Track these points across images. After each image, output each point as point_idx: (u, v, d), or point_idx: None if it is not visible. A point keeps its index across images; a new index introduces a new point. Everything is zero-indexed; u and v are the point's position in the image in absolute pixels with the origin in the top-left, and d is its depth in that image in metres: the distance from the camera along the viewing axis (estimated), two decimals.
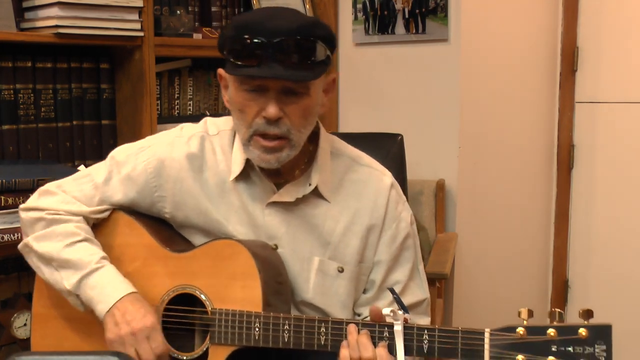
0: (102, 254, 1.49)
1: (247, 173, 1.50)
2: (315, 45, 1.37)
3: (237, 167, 1.49)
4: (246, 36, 1.35)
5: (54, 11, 2.00)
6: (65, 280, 1.47)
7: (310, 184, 1.49)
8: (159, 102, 2.40)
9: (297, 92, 1.39)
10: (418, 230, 2.51)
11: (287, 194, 1.49)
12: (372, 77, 2.79)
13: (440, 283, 2.35)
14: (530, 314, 1.26)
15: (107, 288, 1.44)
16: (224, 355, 1.41)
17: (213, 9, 2.57)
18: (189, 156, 1.52)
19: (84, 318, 1.53)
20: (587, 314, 1.24)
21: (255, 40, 1.34)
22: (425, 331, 1.30)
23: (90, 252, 1.48)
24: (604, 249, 3.08)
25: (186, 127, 1.58)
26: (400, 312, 1.31)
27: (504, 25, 2.79)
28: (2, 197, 1.83)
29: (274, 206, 1.50)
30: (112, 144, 2.27)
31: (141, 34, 2.19)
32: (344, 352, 1.33)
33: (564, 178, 3.14)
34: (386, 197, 1.53)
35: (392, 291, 1.37)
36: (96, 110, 2.27)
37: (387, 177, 1.56)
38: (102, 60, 2.26)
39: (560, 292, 3.17)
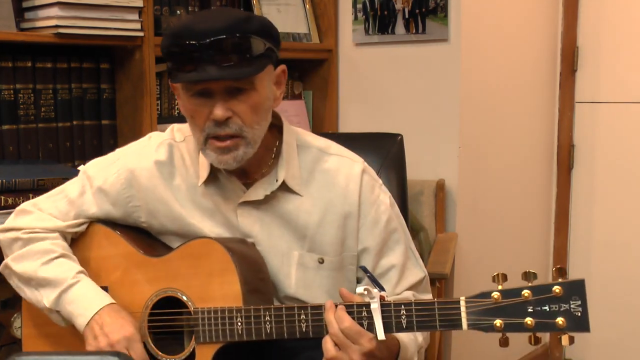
0: (79, 268, 1.50)
1: (215, 176, 1.51)
2: (248, 40, 1.35)
3: (204, 171, 1.50)
4: (179, 42, 1.35)
5: (54, 11, 2.00)
6: (45, 298, 1.48)
7: (277, 180, 1.49)
8: (159, 102, 2.40)
9: (242, 89, 1.38)
10: (418, 231, 2.54)
11: (256, 193, 1.49)
12: (372, 77, 2.79)
13: (440, 283, 2.35)
14: (504, 278, 1.27)
15: (84, 301, 1.46)
16: (210, 354, 1.42)
17: (213, 9, 2.57)
18: (159, 164, 1.53)
19: (72, 336, 1.53)
20: (560, 272, 1.24)
21: (187, 45, 1.34)
22: (403, 306, 1.30)
23: (67, 268, 1.49)
24: (604, 249, 3.08)
25: (154, 136, 1.59)
26: (376, 290, 1.30)
27: (504, 25, 2.79)
28: (2, 197, 1.83)
29: (245, 206, 1.50)
30: (112, 144, 2.27)
31: (141, 34, 2.19)
32: (327, 344, 1.32)
33: (564, 178, 3.14)
34: (358, 183, 1.51)
35: (365, 269, 1.36)
36: (96, 110, 2.27)
37: (357, 163, 1.55)
38: (102, 60, 2.26)
39: None
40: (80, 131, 2.24)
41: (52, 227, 1.54)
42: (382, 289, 1.32)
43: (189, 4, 2.49)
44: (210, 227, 1.51)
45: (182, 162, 1.54)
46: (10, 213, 1.63)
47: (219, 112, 1.37)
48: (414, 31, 2.64)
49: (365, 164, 1.57)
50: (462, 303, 1.27)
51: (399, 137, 2.16)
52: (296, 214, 1.50)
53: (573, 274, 3.17)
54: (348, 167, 1.53)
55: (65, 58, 2.18)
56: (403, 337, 1.40)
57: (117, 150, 1.62)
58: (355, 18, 2.78)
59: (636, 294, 3.00)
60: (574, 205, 3.15)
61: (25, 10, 2.09)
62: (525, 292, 1.23)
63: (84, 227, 1.57)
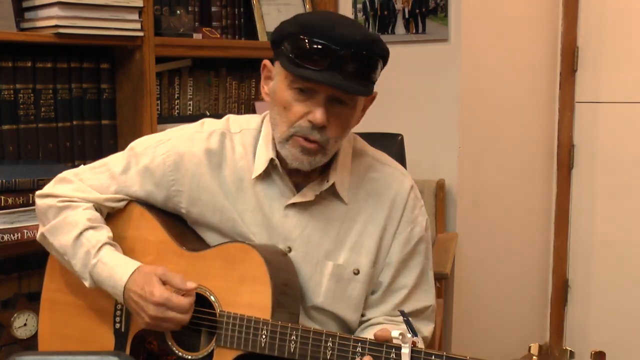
0: (101, 242, 1.49)
1: (268, 172, 1.49)
2: (377, 62, 1.39)
3: (261, 165, 1.48)
4: (315, 39, 1.34)
5: (54, 11, 2.00)
6: (83, 279, 1.50)
7: (327, 181, 1.48)
8: (159, 102, 2.40)
9: (344, 103, 1.39)
10: None
11: (306, 194, 1.49)
12: None
13: (440, 283, 2.36)
14: (541, 349, 1.24)
15: (110, 280, 1.46)
16: (228, 359, 1.41)
17: (213, 9, 2.57)
18: (208, 152, 1.52)
19: (92, 305, 1.54)
20: (599, 356, 1.21)
21: (325, 46, 1.33)
22: (433, 357, 1.28)
23: (92, 244, 1.49)
24: (604, 249, 3.08)
25: (207, 123, 1.57)
26: (409, 335, 1.29)
27: (504, 25, 2.79)
28: (2, 197, 1.83)
29: (292, 207, 1.49)
30: (112, 144, 2.27)
31: (141, 34, 2.19)
32: None
33: (564, 178, 3.14)
34: (405, 199, 1.52)
35: (403, 313, 1.34)
36: (96, 110, 2.27)
37: (407, 178, 1.56)
38: (102, 60, 2.26)
39: (560, 292, 3.17)
40: (80, 131, 2.24)
41: (90, 199, 1.54)
42: (415, 334, 1.31)
43: (189, 4, 2.49)
44: (249, 225, 1.50)
45: (232, 153, 1.52)
46: (10, 213, 1.63)
47: (321, 118, 1.37)
48: (414, 31, 2.64)
49: (413, 180, 1.57)
50: None
51: (399, 137, 2.17)
52: (340, 222, 1.50)
53: (573, 274, 3.18)
54: (399, 180, 1.54)
55: (65, 58, 2.18)
56: None
57: (168, 130, 1.60)
58: (355, 18, 2.78)
59: (636, 294, 3.00)
60: (574, 205, 3.14)
61: (25, 10, 2.09)
62: None
63: (122, 204, 1.56)
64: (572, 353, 1.23)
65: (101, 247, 1.48)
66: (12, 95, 2.08)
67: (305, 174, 1.48)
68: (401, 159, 2.15)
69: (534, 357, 1.24)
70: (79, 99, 2.23)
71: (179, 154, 1.52)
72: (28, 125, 2.12)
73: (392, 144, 2.14)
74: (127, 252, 1.52)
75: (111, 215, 1.58)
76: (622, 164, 3.01)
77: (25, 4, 2.09)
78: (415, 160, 2.45)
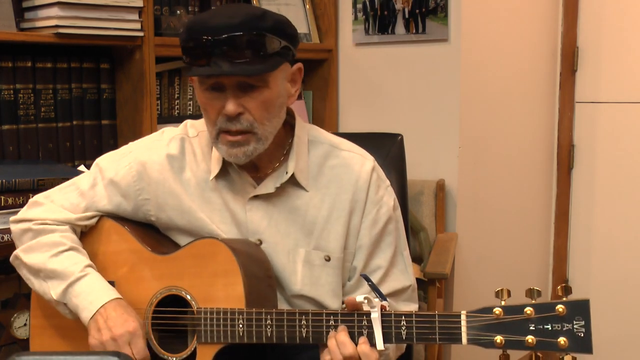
0: (87, 262, 1.51)
1: (226, 171, 1.52)
2: (263, 37, 1.37)
3: (216, 166, 1.51)
4: (194, 36, 1.37)
5: (54, 11, 2.00)
6: (52, 290, 1.49)
7: (286, 172, 1.49)
8: (159, 102, 2.40)
9: (255, 85, 1.40)
10: (418, 231, 2.54)
11: (266, 186, 1.50)
12: (372, 77, 2.79)
13: (440, 283, 2.35)
14: (509, 293, 1.26)
15: (90, 295, 1.46)
16: (211, 354, 1.42)
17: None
18: (170, 158, 1.54)
19: (79, 328, 1.53)
20: (566, 290, 1.23)
21: (202, 39, 1.36)
22: (403, 317, 1.30)
23: (75, 261, 1.49)
24: (604, 249, 3.08)
25: (166, 131, 1.60)
26: (377, 300, 1.30)
27: (504, 25, 2.79)
28: (2, 197, 1.83)
29: (255, 201, 1.51)
30: (112, 144, 2.27)
31: (141, 34, 2.19)
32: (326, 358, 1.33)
33: (564, 178, 3.14)
34: (367, 181, 1.52)
35: (367, 278, 1.35)
36: (96, 110, 2.27)
37: (368, 160, 1.55)
38: (102, 60, 2.26)
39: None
40: (80, 131, 2.24)
41: (63, 219, 1.55)
42: (383, 298, 1.31)
43: (189, 4, 2.49)
44: (218, 224, 1.52)
45: (193, 156, 1.55)
46: (10, 213, 1.63)
47: (231, 107, 1.39)
48: (414, 31, 2.64)
49: (376, 162, 1.57)
50: (463, 317, 1.27)
51: (399, 137, 2.16)
52: (304, 210, 1.51)
53: (573, 274, 3.18)
54: (359, 163, 1.54)
55: (65, 58, 2.18)
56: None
57: (130, 143, 1.63)
58: (355, 18, 2.78)
59: (636, 294, 3.00)
60: (574, 205, 3.15)
61: (25, 10, 2.09)
62: (528, 310, 1.23)
63: (94, 220, 1.58)
64: (538, 292, 1.24)
65: (88, 265, 1.50)
66: (12, 95, 2.08)
67: (264, 167, 1.51)
68: (401, 159, 2.14)
69: (503, 302, 1.25)
70: (79, 99, 2.23)
71: (141, 164, 1.55)
72: (28, 125, 2.12)
73: (392, 144, 2.13)
74: (100, 267, 1.53)
75: (85, 232, 1.59)
76: (622, 164, 3.01)
77: (25, 4, 2.09)
78: (415, 160, 2.45)
